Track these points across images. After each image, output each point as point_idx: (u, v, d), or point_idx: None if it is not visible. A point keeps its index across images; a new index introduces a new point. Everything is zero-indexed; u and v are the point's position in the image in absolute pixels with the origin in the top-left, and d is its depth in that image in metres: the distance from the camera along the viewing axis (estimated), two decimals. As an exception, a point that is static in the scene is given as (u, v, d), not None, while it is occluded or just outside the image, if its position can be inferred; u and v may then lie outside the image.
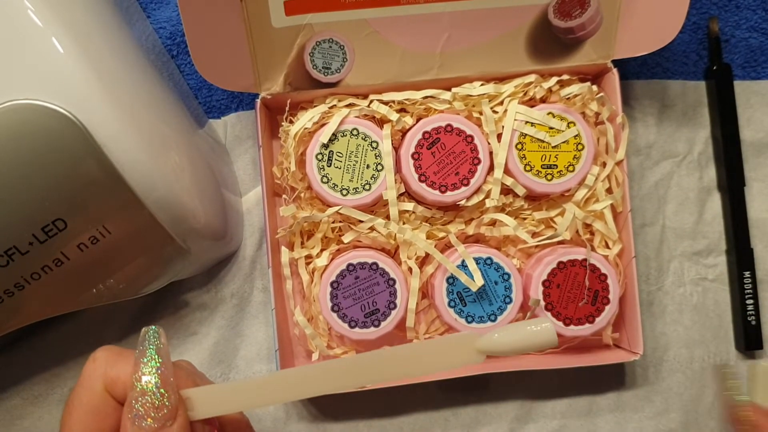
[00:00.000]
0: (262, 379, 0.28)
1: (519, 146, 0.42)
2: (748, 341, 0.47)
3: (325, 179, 0.42)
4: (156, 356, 0.26)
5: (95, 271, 0.35)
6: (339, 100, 0.43)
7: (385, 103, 0.43)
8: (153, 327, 0.27)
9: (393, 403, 0.46)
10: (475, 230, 0.43)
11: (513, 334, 0.27)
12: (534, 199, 0.45)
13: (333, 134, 0.42)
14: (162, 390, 0.26)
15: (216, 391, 0.28)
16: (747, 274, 0.47)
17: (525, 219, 0.44)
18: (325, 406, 0.46)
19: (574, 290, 0.42)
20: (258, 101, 0.42)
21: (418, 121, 0.43)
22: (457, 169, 0.42)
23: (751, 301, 0.46)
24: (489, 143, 0.43)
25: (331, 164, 0.42)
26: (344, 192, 0.42)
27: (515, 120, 0.42)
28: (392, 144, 0.42)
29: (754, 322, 0.46)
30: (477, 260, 0.42)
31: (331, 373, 0.27)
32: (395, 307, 0.42)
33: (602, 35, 0.42)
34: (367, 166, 0.42)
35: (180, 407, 0.26)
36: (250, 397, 0.27)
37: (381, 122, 0.43)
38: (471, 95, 0.43)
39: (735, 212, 0.47)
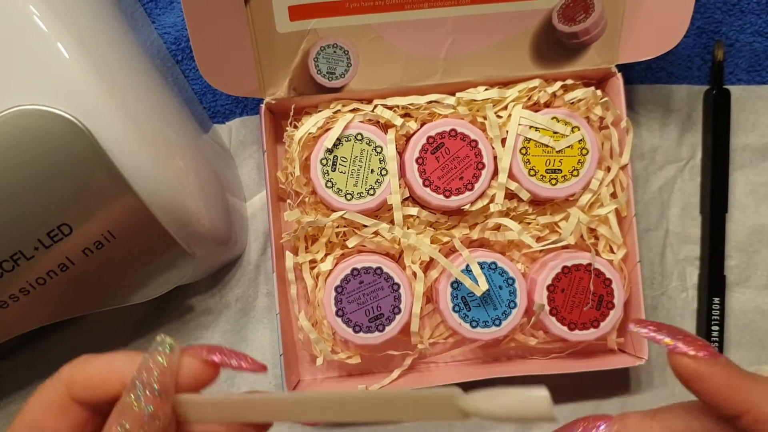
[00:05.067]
0: (261, 398, 0.28)
1: (523, 151, 0.42)
2: None
3: (329, 184, 0.42)
4: (160, 374, 0.26)
5: (100, 276, 0.35)
6: (343, 105, 0.43)
7: (390, 107, 0.43)
8: (168, 339, 0.26)
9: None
10: (480, 235, 0.43)
11: (503, 402, 0.24)
12: (538, 203, 0.45)
13: (337, 139, 0.42)
14: (154, 412, 0.25)
15: (211, 402, 0.27)
16: (716, 300, 0.47)
17: (529, 223, 0.44)
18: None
19: (579, 295, 0.42)
20: (262, 106, 0.42)
21: (422, 125, 0.43)
22: (462, 173, 0.42)
23: (716, 328, 0.46)
24: (493, 148, 0.43)
25: (335, 169, 0.42)
26: (348, 197, 0.42)
27: (519, 125, 0.42)
28: (396, 149, 0.42)
29: (717, 349, 0.46)
30: (481, 265, 0.42)
31: (314, 405, 0.27)
32: (400, 311, 0.42)
33: (606, 40, 0.42)
34: (372, 171, 0.42)
35: (171, 425, 0.26)
36: (244, 412, 0.27)
37: (385, 127, 0.43)
38: (475, 100, 0.43)
39: (713, 239, 0.47)
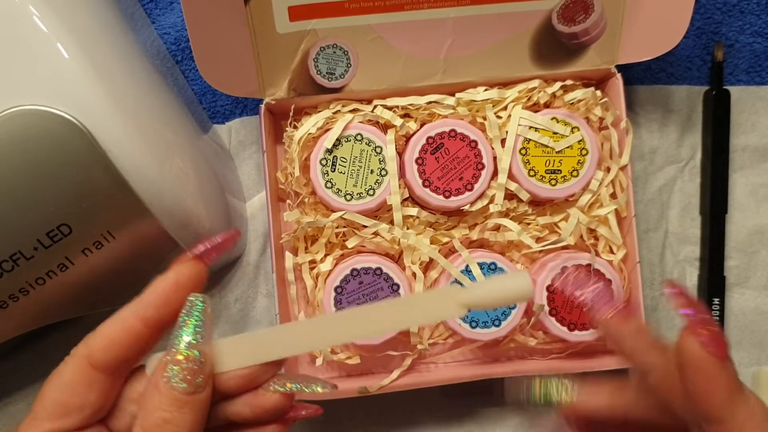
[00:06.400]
0: (276, 331, 0.29)
1: (523, 151, 0.42)
2: None
3: (329, 184, 0.42)
4: (201, 323, 0.27)
5: (100, 276, 0.35)
6: (343, 106, 0.43)
7: (389, 108, 0.43)
8: (200, 296, 0.27)
9: (396, 409, 0.46)
10: (479, 235, 0.43)
11: (492, 287, 0.27)
12: (538, 204, 0.45)
13: (337, 139, 0.42)
14: (201, 358, 0.26)
15: (241, 341, 0.28)
16: (716, 301, 0.47)
17: (529, 224, 0.44)
18: (328, 413, 0.46)
19: (579, 295, 0.42)
20: (262, 107, 0.42)
21: (422, 126, 0.43)
22: (461, 174, 0.42)
23: None
24: (493, 148, 0.43)
25: (335, 169, 0.42)
26: (348, 197, 0.42)
27: (519, 125, 0.42)
28: (396, 149, 0.42)
29: None
30: (481, 265, 0.42)
31: (330, 326, 0.29)
32: (399, 312, 0.42)
33: (606, 40, 0.42)
34: (371, 171, 0.42)
35: (209, 378, 0.27)
36: (272, 347, 0.28)
37: (385, 127, 0.43)
38: (475, 100, 0.43)
39: (713, 240, 0.47)
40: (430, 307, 0.28)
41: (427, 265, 0.44)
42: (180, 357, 0.26)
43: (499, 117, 0.43)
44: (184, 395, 0.25)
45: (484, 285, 0.28)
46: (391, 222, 0.43)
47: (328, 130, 0.42)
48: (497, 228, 0.44)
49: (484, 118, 0.43)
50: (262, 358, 0.28)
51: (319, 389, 0.29)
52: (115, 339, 0.27)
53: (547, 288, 0.42)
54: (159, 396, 0.26)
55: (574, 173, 0.42)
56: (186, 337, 0.26)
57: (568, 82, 0.43)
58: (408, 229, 0.43)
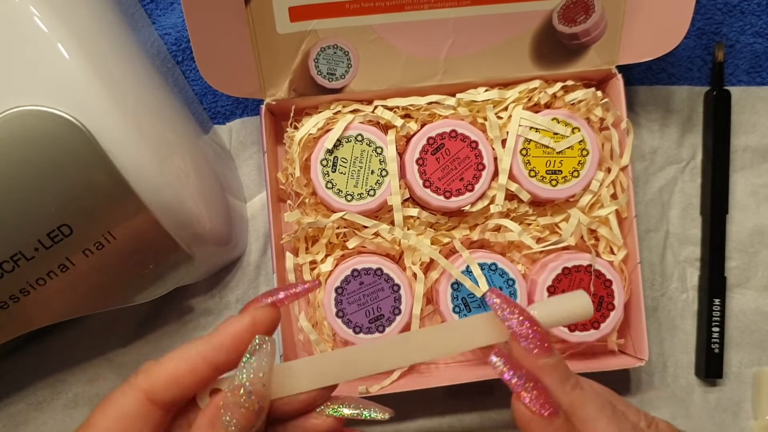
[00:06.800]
0: (336, 355, 0.28)
1: (523, 152, 0.42)
2: (708, 369, 0.47)
3: (329, 185, 0.42)
4: (265, 367, 0.26)
5: (100, 276, 0.35)
6: (344, 106, 0.43)
7: (390, 108, 0.43)
8: (267, 338, 0.27)
9: (397, 409, 0.46)
10: (480, 236, 0.43)
11: (553, 308, 0.28)
12: (539, 204, 0.45)
13: (338, 140, 0.42)
14: (261, 403, 0.25)
15: (300, 367, 0.28)
16: (717, 301, 0.47)
17: (530, 224, 0.44)
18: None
19: (579, 296, 0.42)
20: (263, 107, 0.42)
21: (422, 126, 0.43)
22: (462, 174, 0.42)
23: (717, 329, 0.46)
24: (493, 149, 0.42)
25: (335, 170, 0.42)
26: (349, 197, 0.42)
27: (520, 126, 0.42)
28: (397, 149, 0.42)
29: (717, 351, 0.46)
30: (482, 266, 0.42)
31: (391, 349, 0.28)
32: (400, 312, 0.42)
33: (607, 41, 0.42)
34: (372, 172, 0.42)
35: (264, 417, 0.26)
36: (328, 372, 0.28)
37: (385, 128, 0.43)
38: (475, 101, 0.43)
39: (713, 241, 0.47)
40: (490, 330, 0.28)
41: (428, 266, 0.44)
42: (240, 402, 0.25)
43: (499, 117, 0.43)
44: None
45: (545, 307, 0.28)
46: (392, 222, 0.43)
47: (328, 130, 0.42)
48: (498, 228, 0.44)
49: (485, 119, 0.43)
50: (321, 383, 0.28)
51: (377, 415, 0.29)
52: (178, 377, 0.26)
53: (548, 289, 0.42)
54: None
55: (575, 174, 0.42)
56: (248, 382, 0.25)
57: (569, 82, 0.43)
58: (408, 229, 0.43)
